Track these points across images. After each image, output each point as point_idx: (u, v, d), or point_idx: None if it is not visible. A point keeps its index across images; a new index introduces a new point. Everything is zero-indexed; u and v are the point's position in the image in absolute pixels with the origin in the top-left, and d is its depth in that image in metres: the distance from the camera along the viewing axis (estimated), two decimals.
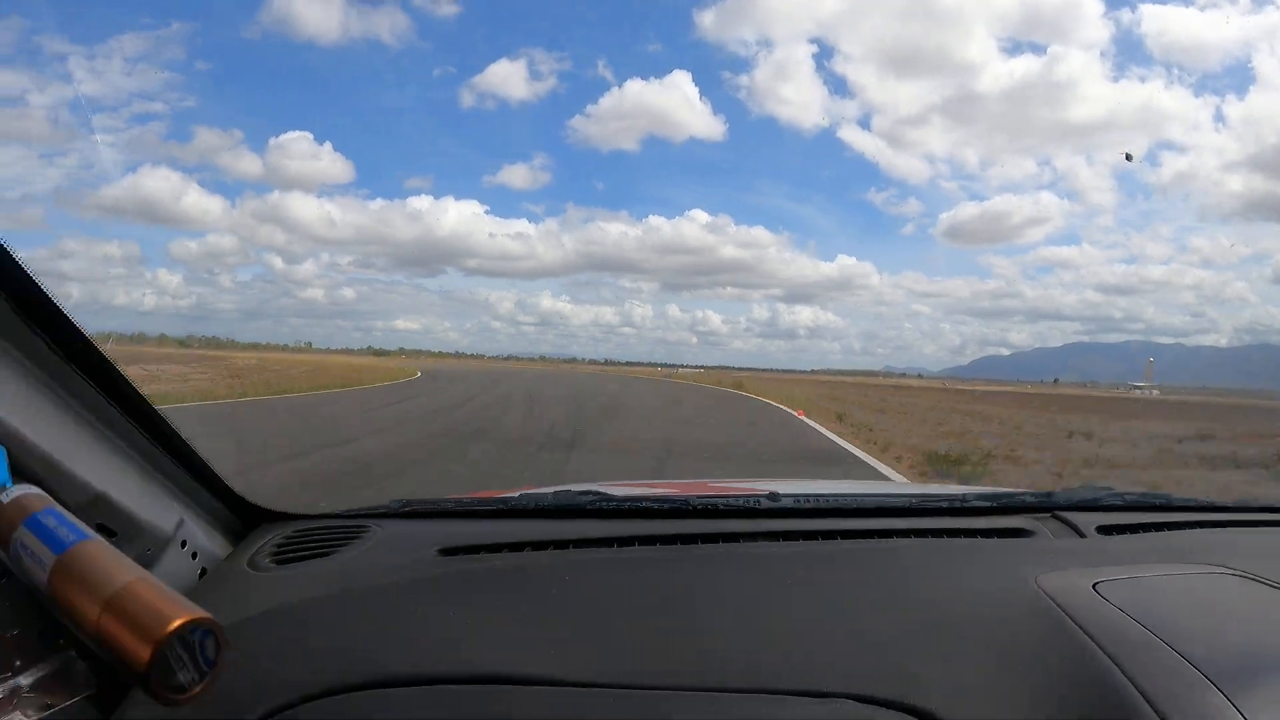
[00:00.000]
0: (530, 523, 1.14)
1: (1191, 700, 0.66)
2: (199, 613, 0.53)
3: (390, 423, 12.17)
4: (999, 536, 1.10)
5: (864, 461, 8.86)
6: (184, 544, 0.92)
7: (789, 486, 1.46)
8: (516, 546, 1.01)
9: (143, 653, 0.49)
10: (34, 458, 0.69)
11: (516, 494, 1.30)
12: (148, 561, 0.85)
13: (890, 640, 0.79)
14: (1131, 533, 1.15)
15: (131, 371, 0.80)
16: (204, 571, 0.96)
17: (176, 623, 0.49)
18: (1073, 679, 0.71)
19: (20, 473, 0.68)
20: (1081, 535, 1.11)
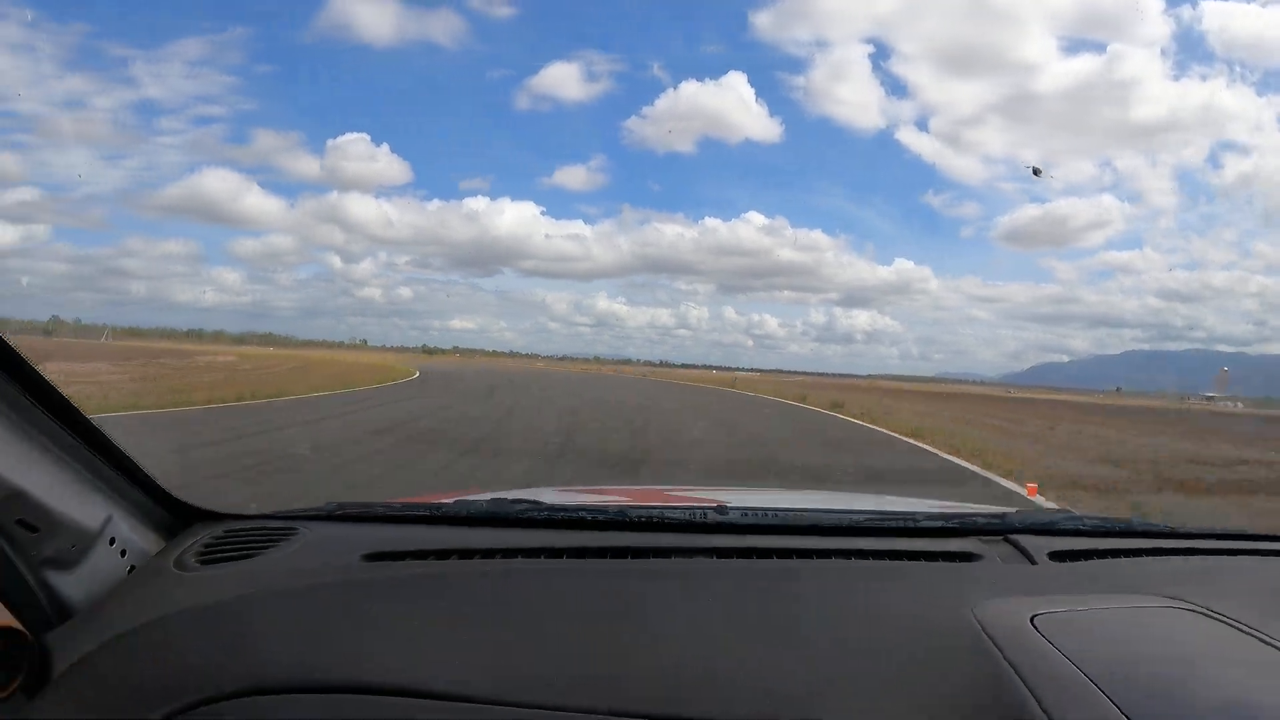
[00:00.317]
0: (461, 530, 1.12)
1: None
2: (8, 621, 0.53)
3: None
4: (946, 560, 1.06)
5: None
6: (112, 541, 0.93)
7: (743, 497, 1.45)
8: (443, 554, 0.99)
9: None
10: None
11: (451, 500, 1.28)
12: (72, 557, 0.86)
13: (815, 667, 0.77)
14: (1085, 559, 1.10)
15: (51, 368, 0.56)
16: (133, 569, 0.96)
17: None
18: (998, 717, 0.69)
19: None
20: (1032, 561, 1.06)
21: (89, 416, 0.90)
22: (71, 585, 0.86)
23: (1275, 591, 1.04)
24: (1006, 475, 8.57)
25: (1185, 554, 1.18)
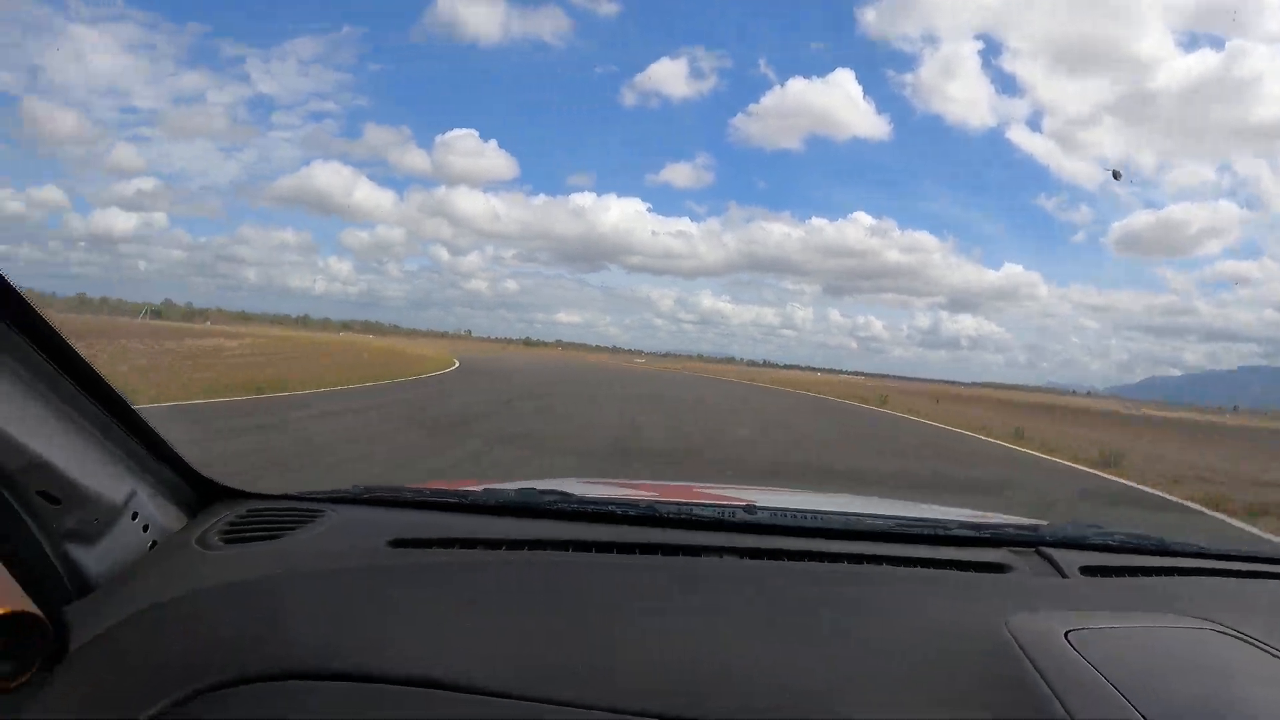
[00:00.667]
0: (489, 519, 1.11)
1: None
2: (23, 606, 0.51)
3: None
4: (977, 570, 1.04)
5: None
6: (135, 515, 0.93)
7: (772, 498, 1.48)
8: (470, 543, 0.99)
9: None
10: None
11: (479, 488, 1.25)
12: (93, 531, 0.86)
13: (844, 672, 0.76)
14: (1116, 575, 1.08)
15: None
16: (154, 545, 0.96)
17: None
18: None
19: None
20: (1064, 575, 1.04)
21: (119, 391, 0.89)
22: (92, 559, 0.85)
23: None
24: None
25: (1216, 574, 1.15)
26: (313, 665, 0.70)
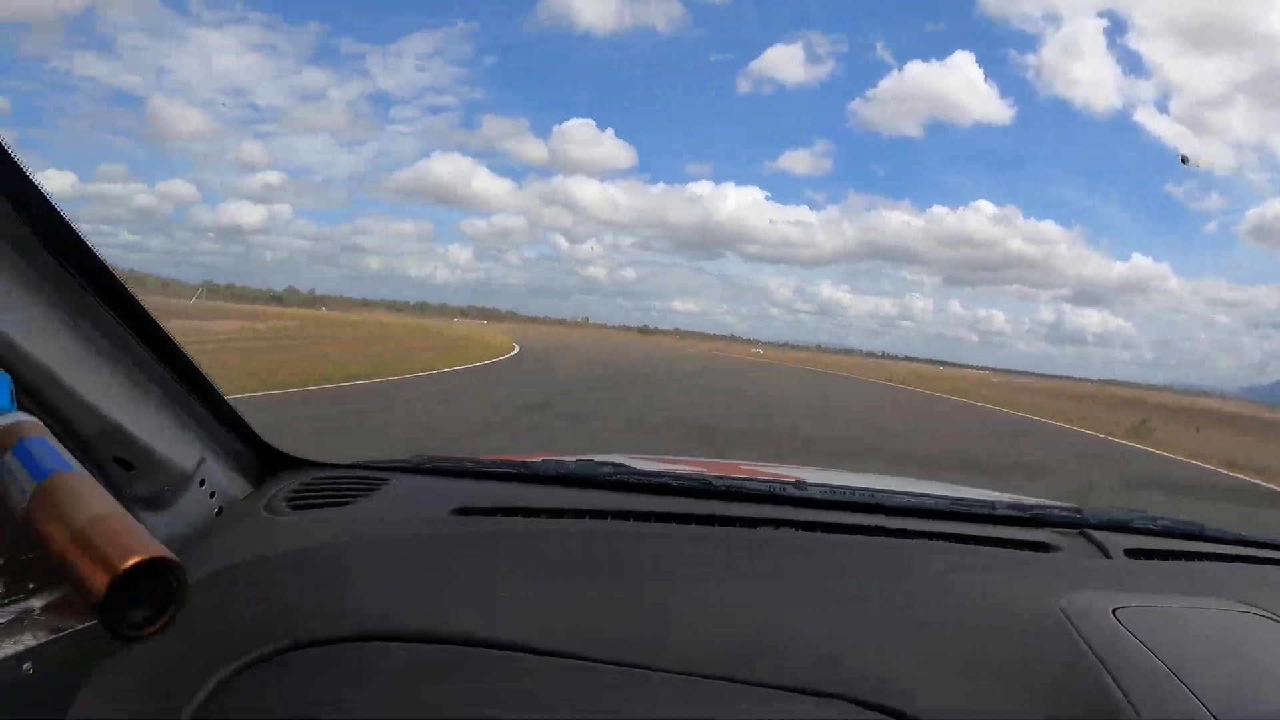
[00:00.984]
0: (550, 489, 1.13)
1: None
2: (162, 552, 0.53)
3: None
4: (1023, 549, 1.05)
5: None
6: (203, 483, 0.95)
7: (818, 476, 1.47)
8: (531, 512, 1.01)
9: (100, 585, 0.49)
10: (48, 386, 0.71)
11: (539, 459, 1.27)
12: (164, 498, 0.88)
13: (898, 645, 0.77)
14: (1160, 559, 1.10)
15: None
16: (220, 511, 0.98)
17: (136, 559, 0.48)
18: (1080, 705, 0.69)
19: (35, 400, 0.71)
20: (1108, 556, 1.05)
21: (192, 357, 0.89)
22: (162, 526, 0.86)
23: None
24: None
25: (1259, 562, 1.16)
26: (379, 629, 0.71)
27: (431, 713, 0.64)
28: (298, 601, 0.76)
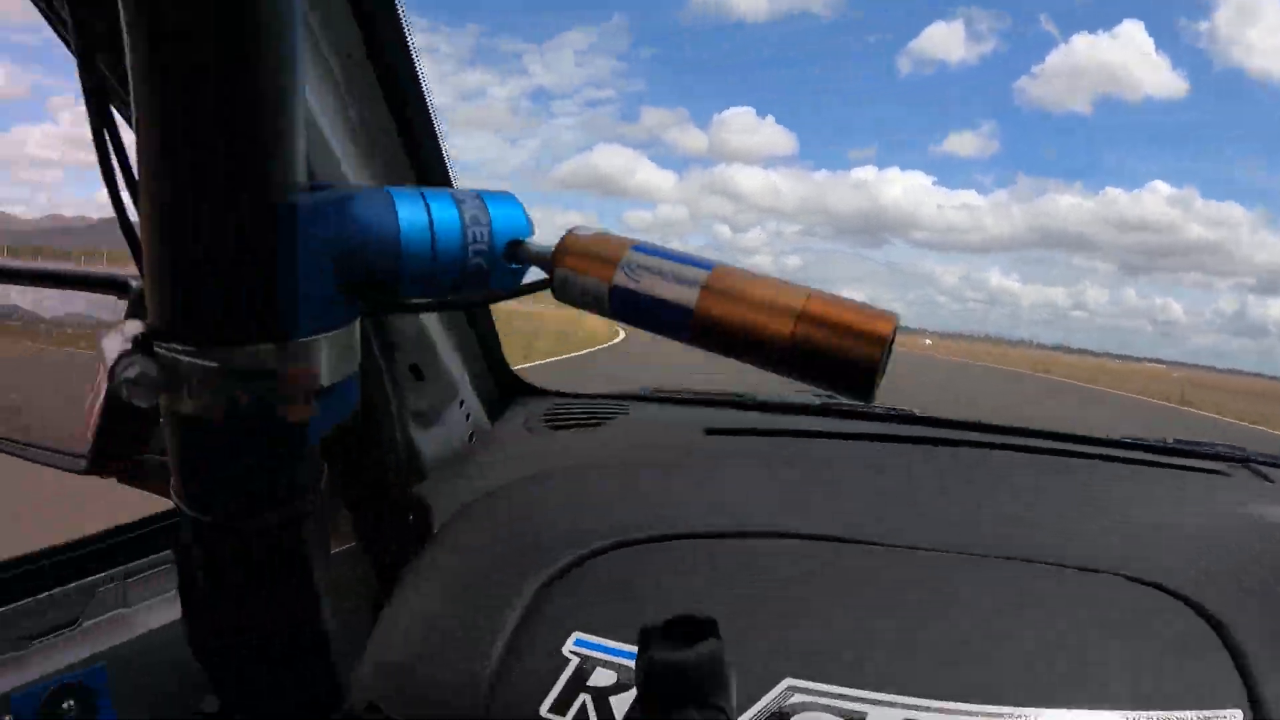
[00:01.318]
0: (786, 416, 1.16)
1: None
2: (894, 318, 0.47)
3: None
4: (1204, 474, 1.09)
5: None
6: (461, 404, 0.97)
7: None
8: (776, 434, 1.06)
9: (874, 355, 0.41)
10: None
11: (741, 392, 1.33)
12: (432, 416, 0.89)
13: (1114, 539, 0.78)
14: None
15: None
16: (472, 435, 0.99)
17: (893, 324, 0.40)
18: None
19: None
20: (1272, 483, 1.08)
21: None
22: (430, 444, 0.87)
23: None
24: None
25: None
26: (652, 532, 0.73)
27: (739, 596, 0.66)
28: (574, 516, 0.79)
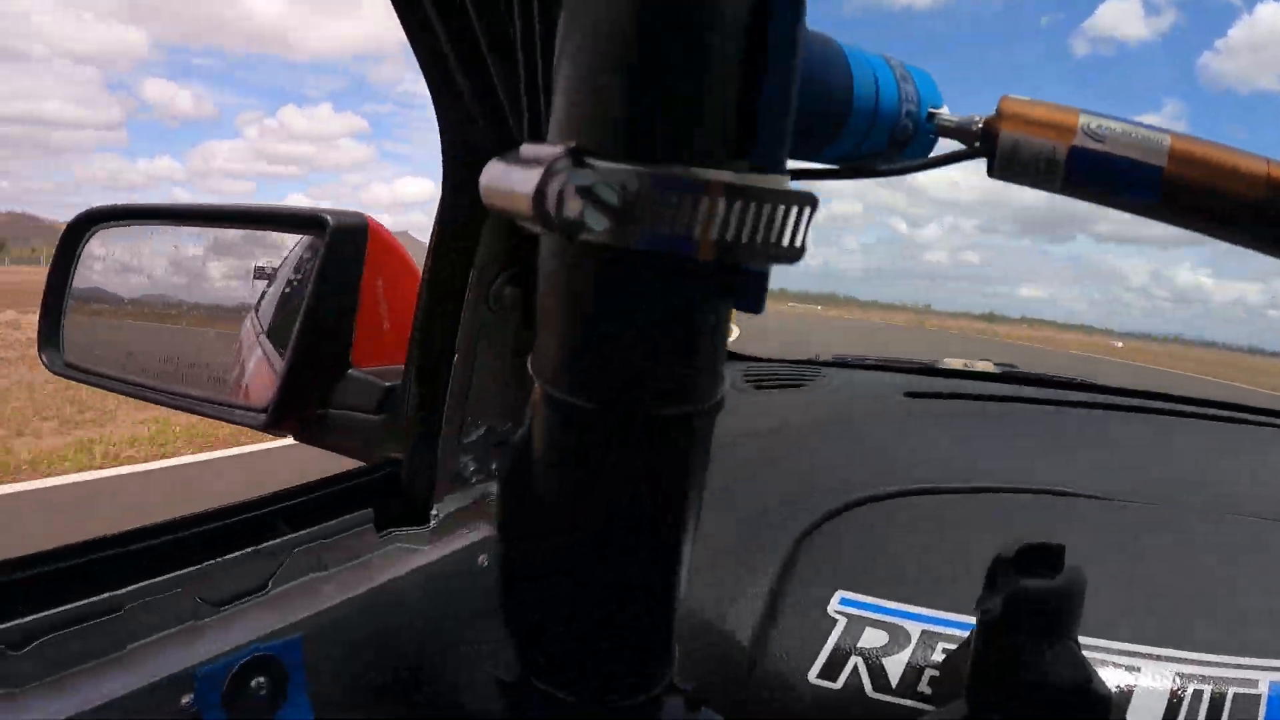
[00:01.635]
0: (979, 383, 1.17)
1: None
2: None
3: None
4: None
5: None
6: None
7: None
8: (976, 398, 1.06)
9: None
10: None
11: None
12: None
13: None
14: None
15: None
16: None
17: None
18: None
19: None
20: None
21: None
22: None
23: None
24: None
25: None
26: (887, 487, 0.72)
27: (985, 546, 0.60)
28: (838, 463, 0.79)
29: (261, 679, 0.46)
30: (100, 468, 4.86)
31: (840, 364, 1.22)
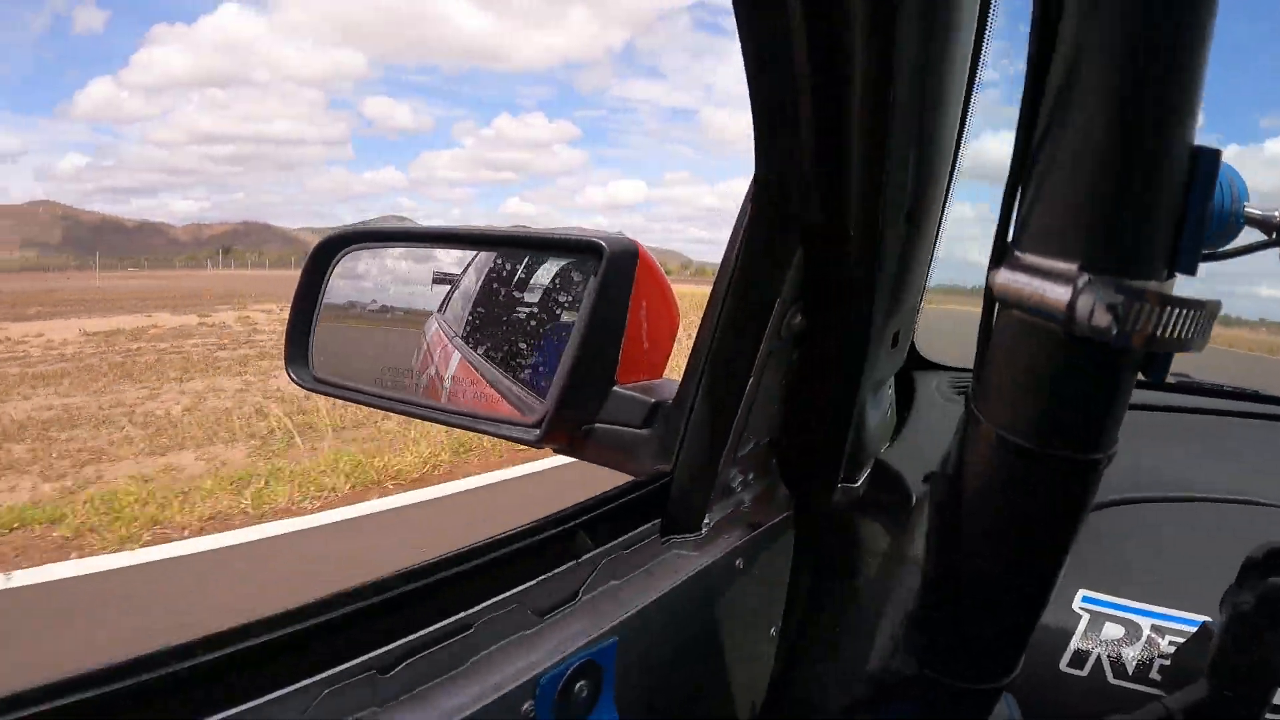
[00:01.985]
0: (1147, 392, 1.13)
1: None
2: None
3: None
4: None
5: None
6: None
7: None
8: (1166, 409, 1.07)
9: None
10: None
11: None
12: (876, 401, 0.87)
13: None
14: None
15: None
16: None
17: None
18: None
19: None
20: None
21: None
22: (876, 418, 0.83)
23: None
24: None
25: None
26: (1145, 493, 0.76)
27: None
28: None
29: (583, 682, 0.49)
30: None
31: None
